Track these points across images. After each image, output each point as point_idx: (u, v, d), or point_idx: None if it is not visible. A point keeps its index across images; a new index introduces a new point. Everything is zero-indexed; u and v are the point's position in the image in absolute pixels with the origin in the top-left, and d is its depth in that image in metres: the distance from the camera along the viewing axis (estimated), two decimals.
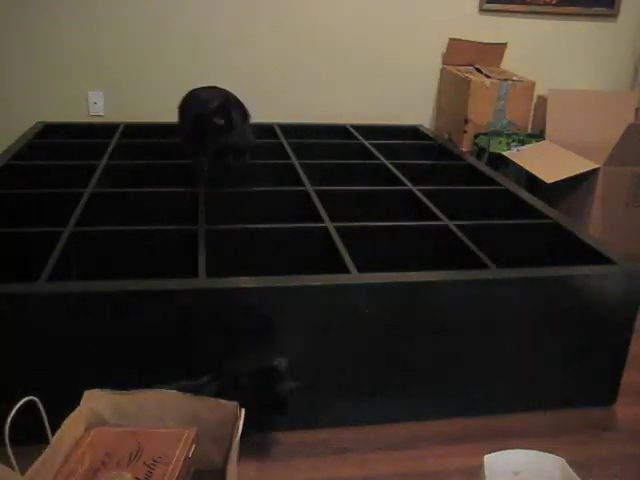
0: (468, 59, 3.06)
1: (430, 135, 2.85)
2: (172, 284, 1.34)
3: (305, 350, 1.40)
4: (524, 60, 3.13)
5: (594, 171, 2.41)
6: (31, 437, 1.07)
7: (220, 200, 1.89)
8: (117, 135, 2.54)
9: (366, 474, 1.34)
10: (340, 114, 3.00)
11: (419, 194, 1.99)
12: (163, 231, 1.66)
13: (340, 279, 1.41)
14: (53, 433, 1.10)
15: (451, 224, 1.77)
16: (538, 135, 2.83)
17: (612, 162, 2.39)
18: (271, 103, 3.02)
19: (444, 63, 3.11)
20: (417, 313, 1.42)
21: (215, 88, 1.93)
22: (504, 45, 3.09)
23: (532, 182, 2.59)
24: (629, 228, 2.48)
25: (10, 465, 1.00)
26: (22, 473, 1.00)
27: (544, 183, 2.43)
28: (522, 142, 2.75)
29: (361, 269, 1.45)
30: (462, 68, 3.01)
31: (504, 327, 1.47)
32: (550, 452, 1.42)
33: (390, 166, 2.27)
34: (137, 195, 1.90)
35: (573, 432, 1.50)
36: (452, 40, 3.04)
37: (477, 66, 3.03)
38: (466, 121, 2.80)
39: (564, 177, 2.40)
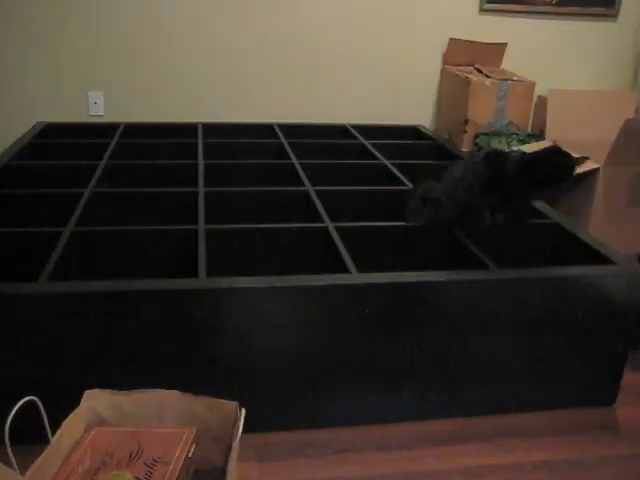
0: (468, 59, 3.06)
1: (430, 135, 2.85)
2: (172, 284, 1.34)
3: (305, 350, 1.40)
4: (524, 60, 3.13)
5: (594, 171, 2.40)
6: (31, 437, 1.07)
7: (220, 200, 1.90)
8: (117, 135, 2.54)
9: (366, 474, 1.34)
10: (340, 114, 3.00)
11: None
12: (163, 231, 1.66)
13: (340, 279, 1.41)
14: (53, 433, 1.10)
15: None
16: (538, 135, 2.83)
17: (612, 160, 2.38)
18: (271, 103, 3.02)
19: (444, 63, 3.11)
20: (417, 313, 1.42)
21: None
22: (504, 45, 3.08)
23: None
24: (629, 228, 2.48)
25: (10, 465, 1.00)
26: (22, 473, 1.00)
27: None
28: (522, 142, 2.74)
29: (361, 269, 1.45)
30: (462, 68, 3.01)
31: (504, 327, 1.47)
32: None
33: (390, 166, 2.27)
34: (137, 195, 1.90)
35: (573, 432, 1.50)
36: (452, 40, 3.04)
37: (477, 66, 3.02)
38: (466, 121, 2.80)
39: None
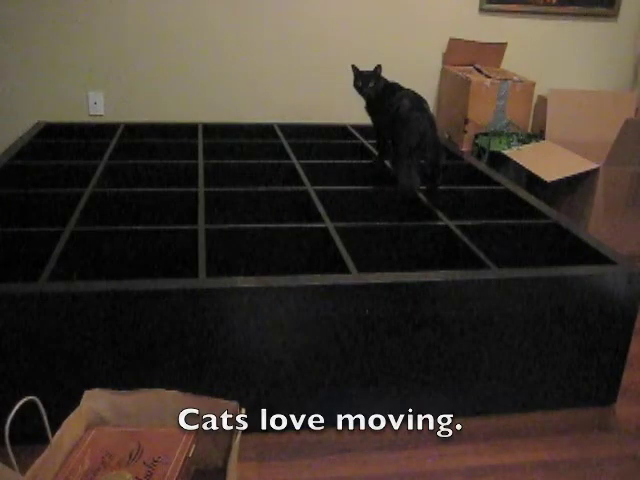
0: (468, 59, 3.07)
1: None
2: (172, 284, 1.34)
3: (305, 350, 1.40)
4: (524, 60, 3.13)
5: (594, 171, 2.41)
6: (31, 437, 1.07)
7: (220, 200, 1.90)
8: (117, 135, 2.55)
9: (366, 474, 1.34)
10: (340, 114, 3.00)
11: (419, 194, 1.99)
12: (163, 231, 1.66)
13: (340, 279, 1.41)
14: (53, 433, 1.10)
15: (451, 224, 1.77)
16: (538, 135, 2.83)
17: (612, 160, 2.39)
18: (271, 103, 3.02)
19: (444, 63, 3.11)
20: (417, 313, 1.42)
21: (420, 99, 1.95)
22: (504, 45, 3.09)
23: (532, 182, 2.59)
24: (629, 228, 2.48)
25: (10, 465, 1.00)
26: (22, 473, 1.00)
27: (544, 183, 2.44)
28: (522, 142, 2.75)
29: (361, 269, 1.45)
30: (462, 68, 3.01)
31: (504, 327, 1.47)
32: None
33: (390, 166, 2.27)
34: (137, 195, 1.90)
35: (573, 432, 1.50)
36: (452, 40, 3.04)
37: (477, 66, 3.03)
38: (466, 121, 2.80)
39: (564, 176, 2.41)
